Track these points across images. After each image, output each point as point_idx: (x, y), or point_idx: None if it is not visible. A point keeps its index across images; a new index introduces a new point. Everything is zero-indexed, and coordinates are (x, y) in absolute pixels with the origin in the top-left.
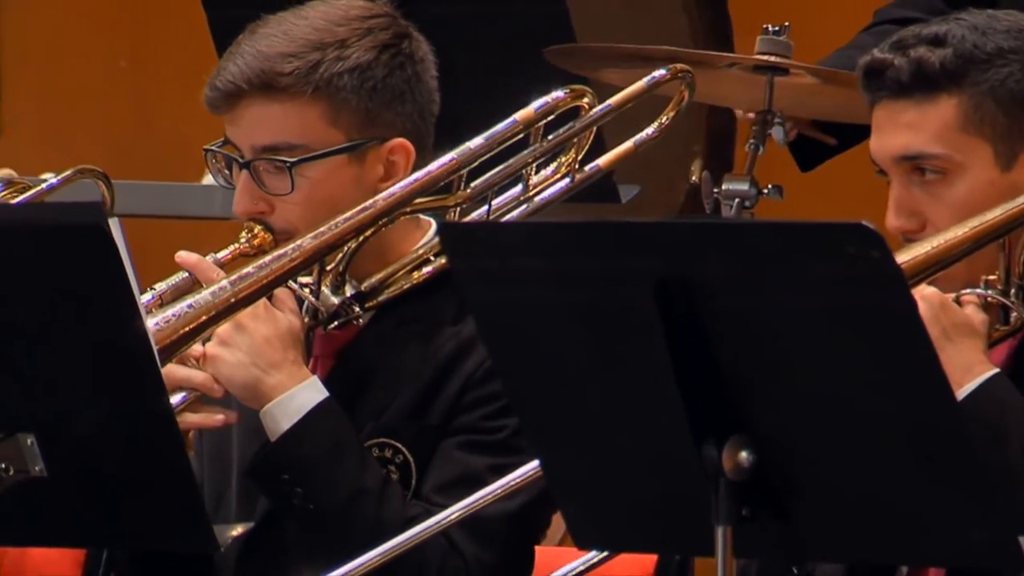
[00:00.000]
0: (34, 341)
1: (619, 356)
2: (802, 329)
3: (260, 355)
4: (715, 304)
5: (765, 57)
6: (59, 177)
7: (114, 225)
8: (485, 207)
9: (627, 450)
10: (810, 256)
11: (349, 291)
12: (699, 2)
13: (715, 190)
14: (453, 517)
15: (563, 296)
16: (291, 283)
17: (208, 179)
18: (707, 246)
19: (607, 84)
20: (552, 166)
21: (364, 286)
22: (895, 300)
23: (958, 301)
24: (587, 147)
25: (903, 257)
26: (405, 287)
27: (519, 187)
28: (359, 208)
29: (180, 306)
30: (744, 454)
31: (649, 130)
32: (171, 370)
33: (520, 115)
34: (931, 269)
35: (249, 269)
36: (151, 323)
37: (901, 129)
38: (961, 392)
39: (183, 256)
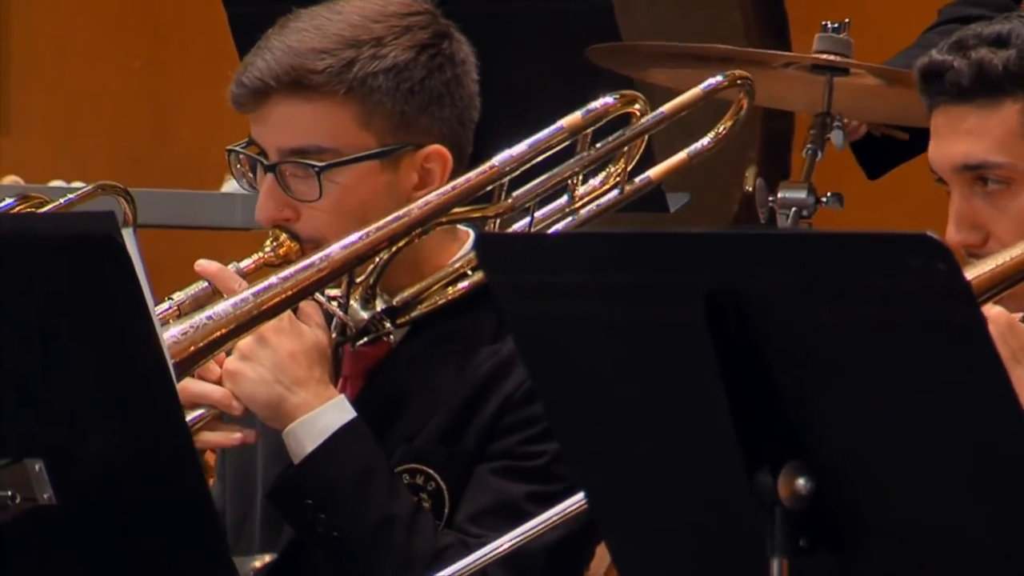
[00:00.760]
0: (42, 358)
1: (667, 376)
2: (861, 347)
3: (284, 371)
4: (769, 321)
5: (824, 56)
6: (77, 193)
7: (128, 236)
8: (527, 219)
9: (676, 476)
10: (871, 270)
11: (380, 305)
12: None
13: (770, 199)
14: (497, 552)
15: (607, 312)
16: (318, 296)
17: (228, 187)
18: (761, 259)
19: (655, 85)
20: (600, 176)
21: (396, 300)
22: (963, 317)
23: None
24: (638, 156)
25: (968, 275)
26: (440, 302)
27: (564, 198)
28: (392, 217)
29: (199, 317)
30: (802, 481)
31: (704, 140)
32: (187, 384)
33: (566, 121)
34: (997, 287)
35: (273, 280)
36: (167, 335)
37: (961, 136)
38: None
39: (203, 265)
